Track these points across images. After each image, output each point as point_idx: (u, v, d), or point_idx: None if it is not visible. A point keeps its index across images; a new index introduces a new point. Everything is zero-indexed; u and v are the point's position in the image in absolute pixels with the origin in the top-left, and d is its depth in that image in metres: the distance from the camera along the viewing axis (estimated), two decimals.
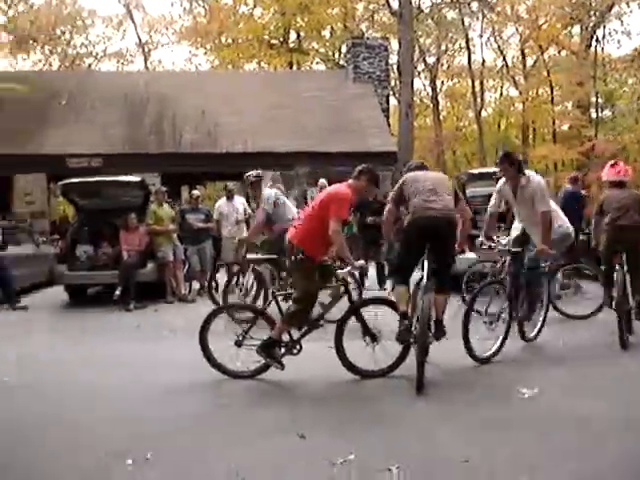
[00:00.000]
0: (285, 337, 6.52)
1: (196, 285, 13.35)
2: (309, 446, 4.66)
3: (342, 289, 6.52)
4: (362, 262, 6.68)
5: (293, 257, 6.48)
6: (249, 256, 8.66)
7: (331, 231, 6.16)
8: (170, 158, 20.84)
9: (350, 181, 6.58)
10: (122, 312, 11.07)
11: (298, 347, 6.51)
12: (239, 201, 13.28)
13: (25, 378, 6.94)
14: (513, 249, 7.69)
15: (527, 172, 7.54)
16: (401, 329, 6.29)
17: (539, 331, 7.94)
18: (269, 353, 6.39)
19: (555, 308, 9.16)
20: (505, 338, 7.16)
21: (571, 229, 8.76)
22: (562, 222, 8.57)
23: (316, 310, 6.63)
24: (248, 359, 6.51)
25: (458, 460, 4.35)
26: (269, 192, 10.07)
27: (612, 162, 8.88)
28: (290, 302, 6.65)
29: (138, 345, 8.57)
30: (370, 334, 6.43)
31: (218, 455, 4.54)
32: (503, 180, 7.75)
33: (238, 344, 6.52)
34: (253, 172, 10.34)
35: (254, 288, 9.88)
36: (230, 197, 13.15)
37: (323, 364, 6.68)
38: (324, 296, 6.68)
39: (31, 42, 37.87)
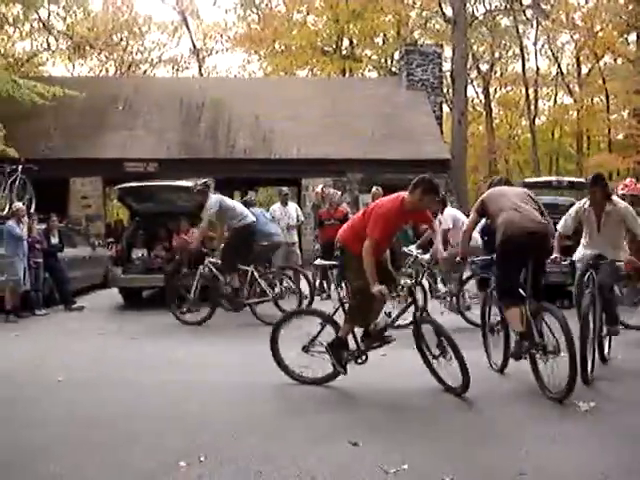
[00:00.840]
0: (353, 345, 6.45)
1: None
2: (362, 454, 4.63)
3: (408, 298, 6.32)
4: (382, 287, 6.01)
5: (340, 254, 6.60)
6: (319, 262, 8.60)
7: (363, 249, 6.06)
8: (224, 163, 21.03)
9: (405, 194, 6.23)
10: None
11: (364, 357, 6.45)
12: (293, 207, 13.36)
13: (78, 377, 7.07)
14: (597, 261, 7.24)
15: (613, 197, 7.32)
16: (520, 349, 6.09)
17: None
18: (335, 353, 6.37)
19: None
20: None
21: None
22: None
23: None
24: (316, 365, 6.49)
25: (514, 473, 4.27)
26: (214, 199, 10.52)
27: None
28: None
29: (195, 347, 8.67)
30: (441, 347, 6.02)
31: (272, 460, 4.53)
32: (583, 203, 7.41)
33: (306, 350, 6.53)
34: (200, 181, 10.91)
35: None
36: (285, 202, 13.24)
37: (378, 372, 6.67)
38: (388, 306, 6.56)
39: (88, 48, 38.48)
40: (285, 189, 14.12)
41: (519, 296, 6.25)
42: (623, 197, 8.62)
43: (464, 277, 9.76)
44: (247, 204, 11.59)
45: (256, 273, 10.38)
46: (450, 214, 10.04)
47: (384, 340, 6.45)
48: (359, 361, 6.45)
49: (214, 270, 10.54)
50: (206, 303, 10.56)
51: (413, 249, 9.33)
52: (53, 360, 8.15)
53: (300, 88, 26.18)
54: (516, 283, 6.32)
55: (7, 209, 13.53)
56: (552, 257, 6.94)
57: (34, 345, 9.27)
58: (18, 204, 12.59)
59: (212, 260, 10.60)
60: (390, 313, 6.47)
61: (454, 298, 9.65)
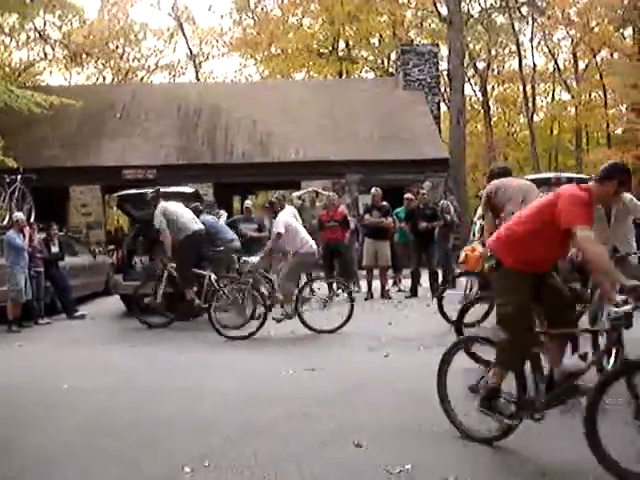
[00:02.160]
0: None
1: None
2: (366, 455, 4.63)
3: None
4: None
5: (495, 267, 4.83)
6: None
7: (581, 239, 4.25)
8: (222, 168, 21.06)
9: (591, 184, 4.62)
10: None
11: (541, 414, 4.61)
12: (289, 211, 13.34)
13: (83, 384, 7.07)
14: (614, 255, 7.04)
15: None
16: None
17: None
18: (491, 406, 4.77)
19: None
20: None
21: None
22: None
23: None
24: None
25: (521, 472, 4.26)
26: (158, 210, 10.89)
27: None
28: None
29: (197, 353, 8.68)
30: None
31: (276, 464, 4.52)
32: None
33: (473, 390, 5.06)
34: (150, 189, 11.29)
35: None
36: (280, 207, 13.21)
37: (382, 372, 6.67)
38: None
39: (85, 56, 38.56)
40: (278, 194, 14.11)
41: None
42: None
43: None
44: (196, 211, 11.48)
45: (214, 277, 10.60)
46: (282, 220, 10.24)
47: (574, 391, 4.54)
48: (536, 417, 4.62)
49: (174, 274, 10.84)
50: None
51: None
52: (57, 368, 8.15)
53: (297, 91, 26.20)
54: None
55: (7, 219, 13.54)
56: None
57: (38, 354, 9.27)
58: (19, 214, 12.58)
59: (174, 265, 10.86)
60: (586, 354, 4.84)
61: None
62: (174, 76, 43.49)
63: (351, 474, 4.32)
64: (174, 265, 10.88)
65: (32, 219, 14.02)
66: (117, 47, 41.45)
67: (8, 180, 14.27)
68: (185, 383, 6.99)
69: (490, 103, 41.77)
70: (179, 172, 19.87)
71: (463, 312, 7.22)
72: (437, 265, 13.35)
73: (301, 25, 39.17)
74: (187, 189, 13.16)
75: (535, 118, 40.76)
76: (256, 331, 9.32)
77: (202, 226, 11.02)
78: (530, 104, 39.12)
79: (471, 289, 9.43)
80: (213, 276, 10.63)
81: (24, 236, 11.93)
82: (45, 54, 38.70)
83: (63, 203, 20.99)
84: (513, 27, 37.28)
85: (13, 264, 11.48)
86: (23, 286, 11.45)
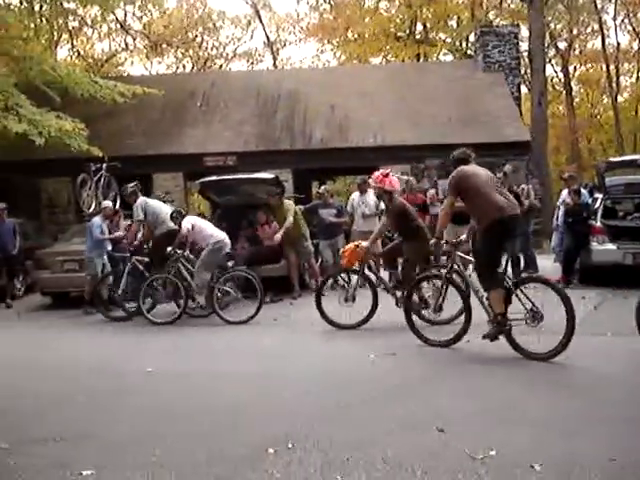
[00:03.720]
0: None
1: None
2: (449, 440, 4.62)
3: None
4: None
5: None
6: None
7: None
8: (301, 154, 21.12)
9: None
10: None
11: None
12: (371, 196, 13.33)
13: (167, 368, 7.27)
14: None
15: None
16: (497, 329, 6.77)
17: None
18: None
19: None
20: None
21: None
22: None
23: None
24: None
25: (604, 460, 4.20)
26: (138, 204, 11.21)
27: None
28: None
29: (277, 336, 8.80)
30: None
31: (359, 447, 4.55)
32: None
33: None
34: (130, 184, 11.61)
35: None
36: (363, 191, 13.21)
37: (459, 357, 6.65)
38: None
39: (165, 46, 39.17)
40: (363, 178, 14.09)
41: (502, 279, 6.88)
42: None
43: None
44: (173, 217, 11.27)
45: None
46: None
47: None
48: None
49: (141, 267, 11.28)
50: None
51: None
52: (141, 352, 8.38)
53: (374, 75, 26.03)
54: (499, 265, 6.99)
55: (93, 207, 13.94)
56: None
57: (122, 338, 9.55)
58: (106, 202, 12.99)
59: (138, 258, 11.36)
60: None
61: None
62: (252, 63, 43.85)
63: (434, 458, 4.31)
64: (138, 258, 11.34)
65: (117, 206, 14.39)
66: (196, 36, 41.93)
67: (94, 168, 14.66)
68: (265, 366, 7.10)
69: (572, 84, 40.79)
70: (259, 158, 20.03)
71: None
72: (518, 250, 13.16)
73: (378, 9, 38.91)
74: (267, 175, 13.27)
75: (619, 99, 39.66)
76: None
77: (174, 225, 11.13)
78: (614, 84, 38.07)
79: None
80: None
81: (111, 223, 12.35)
82: (126, 45, 39.46)
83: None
84: (595, 5, 36.30)
85: (92, 250, 11.94)
86: (99, 272, 11.94)
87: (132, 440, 4.92)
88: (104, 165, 14.85)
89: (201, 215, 25.61)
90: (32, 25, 22.11)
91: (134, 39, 37.71)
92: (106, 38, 39.09)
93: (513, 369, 6.36)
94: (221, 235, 10.86)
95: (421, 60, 37.04)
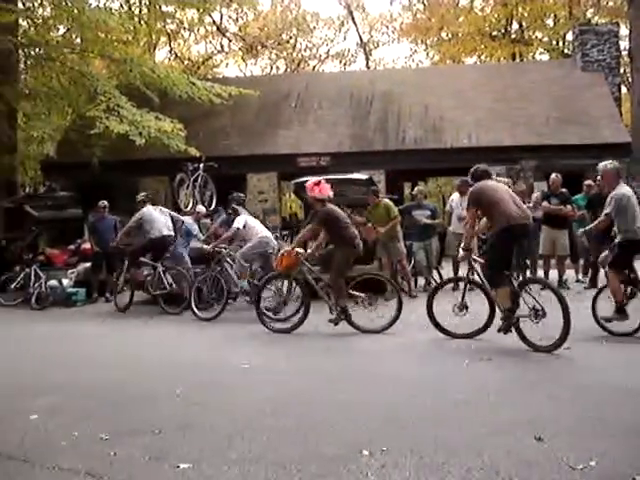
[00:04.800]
0: None
1: (422, 281, 13.44)
2: (547, 449, 4.51)
3: None
4: None
5: None
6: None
7: None
8: (394, 155, 21.04)
9: None
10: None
11: None
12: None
13: (263, 364, 7.39)
14: None
15: None
16: (509, 323, 7.66)
17: None
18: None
19: None
20: None
21: None
22: None
23: None
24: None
25: None
26: (141, 213, 12.46)
27: None
28: None
29: (372, 337, 8.81)
30: None
31: (454, 452, 4.51)
32: None
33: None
34: (141, 194, 13.24)
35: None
36: (464, 192, 13.08)
37: (559, 364, 6.52)
38: None
39: (260, 48, 39.64)
40: (463, 179, 13.94)
41: (507, 277, 7.73)
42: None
43: None
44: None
45: (161, 268, 12.04)
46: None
47: None
48: None
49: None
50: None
51: None
52: (238, 347, 8.51)
53: (469, 75, 25.75)
54: (507, 267, 7.81)
55: (190, 205, 14.27)
56: None
57: (219, 333, 9.71)
58: (201, 208, 13.39)
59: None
60: None
61: None
62: (345, 64, 43.89)
63: (532, 466, 4.22)
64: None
65: (213, 206, 14.68)
66: (290, 38, 42.29)
67: (191, 168, 15.00)
68: (361, 367, 7.11)
69: None
70: (352, 159, 20.08)
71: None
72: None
73: (472, 8, 38.42)
74: (360, 176, 13.29)
75: None
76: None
77: (172, 232, 12.48)
78: None
79: None
80: (161, 267, 12.12)
81: (199, 227, 12.85)
82: (222, 47, 40.11)
83: (241, 190, 21.65)
84: None
85: (183, 248, 12.33)
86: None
87: (229, 435, 4.99)
88: (201, 165, 15.16)
89: (294, 215, 25.96)
90: (132, 28, 22.64)
91: (230, 41, 38.33)
92: (202, 40, 39.87)
93: (611, 378, 6.19)
94: (267, 233, 12.14)
95: (517, 60, 36.40)
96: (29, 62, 22.90)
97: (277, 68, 42.97)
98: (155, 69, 20.03)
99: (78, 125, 20.74)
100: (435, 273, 13.56)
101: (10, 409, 5.89)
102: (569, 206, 12.88)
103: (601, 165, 8.67)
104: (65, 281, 13.61)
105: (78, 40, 21.74)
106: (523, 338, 7.65)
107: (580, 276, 13.53)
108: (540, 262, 13.30)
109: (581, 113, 21.54)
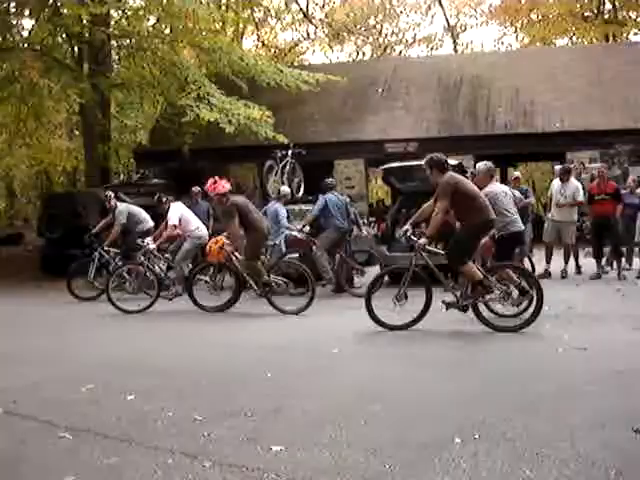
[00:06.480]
0: None
1: None
2: None
3: None
4: None
5: None
6: None
7: None
8: (484, 140, 20.77)
9: None
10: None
11: None
12: (572, 185, 12.89)
13: (352, 350, 7.39)
14: None
15: None
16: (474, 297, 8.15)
17: None
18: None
19: None
20: None
21: None
22: None
23: None
24: None
25: None
26: (122, 207, 13.01)
27: None
28: None
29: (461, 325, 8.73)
30: None
31: (549, 442, 4.41)
32: None
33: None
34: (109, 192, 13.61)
35: None
36: (565, 179, 12.83)
37: None
38: None
39: (346, 34, 39.53)
40: (565, 166, 13.67)
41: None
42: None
43: None
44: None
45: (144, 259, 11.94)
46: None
47: None
48: None
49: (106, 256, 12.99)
50: None
51: None
52: (329, 333, 8.54)
53: (560, 57, 25.10)
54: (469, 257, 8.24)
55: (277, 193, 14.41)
56: None
57: (312, 320, 9.77)
58: (285, 189, 13.40)
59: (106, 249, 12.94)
60: None
61: None
62: (432, 49, 43.38)
63: (629, 459, 4.09)
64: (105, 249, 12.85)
65: (301, 192, 14.76)
66: (376, 23, 42.04)
67: (280, 155, 15.11)
68: (452, 357, 7.05)
69: None
70: (440, 145, 19.81)
71: None
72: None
73: None
74: (450, 161, 13.12)
75: None
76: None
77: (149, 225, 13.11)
78: None
79: None
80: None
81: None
82: (308, 34, 40.17)
83: (328, 177, 21.73)
84: None
85: (277, 235, 12.39)
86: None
87: (319, 419, 5.02)
88: (289, 152, 15.26)
89: (380, 202, 25.89)
90: (220, 17, 22.94)
91: (316, 28, 38.35)
92: (289, 28, 40.01)
93: None
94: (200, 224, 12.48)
95: (610, 41, 35.32)
96: (121, 53, 23.47)
97: (363, 54, 42.78)
98: (243, 57, 20.26)
99: (169, 114, 21.16)
100: (526, 260, 13.31)
101: (108, 390, 6.07)
102: None
103: (477, 165, 10.00)
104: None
105: (168, 30, 22.10)
106: (484, 318, 8.18)
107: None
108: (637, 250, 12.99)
109: None
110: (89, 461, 4.38)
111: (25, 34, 21.24)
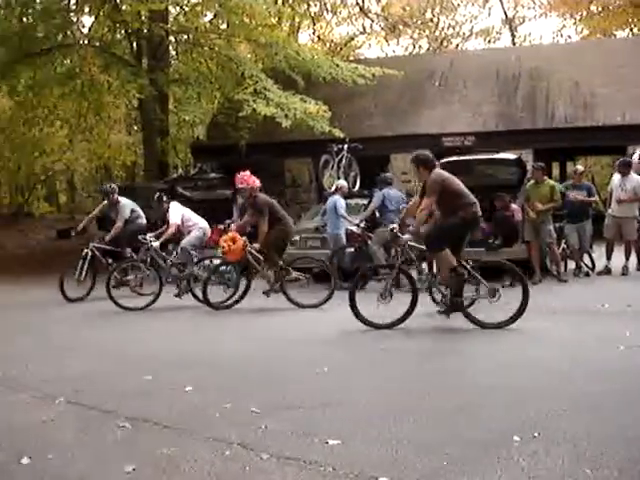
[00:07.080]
0: None
1: (572, 265, 13.04)
2: None
3: None
4: None
5: None
6: None
7: None
8: (543, 133, 20.42)
9: None
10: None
11: None
12: (633, 179, 12.58)
13: (401, 346, 7.40)
14: None
15: None
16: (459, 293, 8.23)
17: None
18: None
19: None
20: None
21: None
22: None
23: None
24: None
25: None
26: (126, 202, 12.97)
27: None
28: None
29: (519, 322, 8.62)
30: None
31: (610, 443, 4.32)
32: None
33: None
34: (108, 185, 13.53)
35: None
36: (625, 173, 12.55)
37: None
38: None
39: (402, 28, 39.30)
40: (625, 159, 13.34)
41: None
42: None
43: None
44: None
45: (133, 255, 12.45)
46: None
47: None
48: None
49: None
50: None
51: None
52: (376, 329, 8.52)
53: (621, 49, 24.54)
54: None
55: (335, 187, 14.40)
56: None
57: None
58: (341, 182, 13.39)
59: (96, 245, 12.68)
60: None
61: None
62: (489, 42, 42.89)
63: None
64: (96, 245, 12.63)
65: (357, 187, 14.75)
66: (433, 16, 41.72)
67: (336, 149, 15.12)
68: (508, 354, 6.98)
69: None
70: (498, 139, 19.65)
71: None
72: None
73: None
74: (509, 155, 13.02)
75: None
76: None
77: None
78: None
79: None
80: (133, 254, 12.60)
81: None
82: (364, 28, 40.01)
83: (384, 171, 21.68)
84: None
85: (339, 227, 12.37)
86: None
87: (373, 414, 5.03)
88: (345, 146, 15.25)
89: None
90: (276, 12, 23.01)
91: (372, 22, 38.20)
92: (345, 22, 39.91)
93: None
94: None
95: None
96: (179, 48, 23.73)
97: (419, 47, 42.53)
98: (300, 52, 20.26)
99: (226, 108, 21.35)
100: (586, 257, 13.10)
101: (161, 382, 6.18)
102: None
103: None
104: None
105: (224, 25, 22.26)
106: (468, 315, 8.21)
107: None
108: None
109: None
110: (148, 451, 4.46)
111: (85, 31, 21.65)
